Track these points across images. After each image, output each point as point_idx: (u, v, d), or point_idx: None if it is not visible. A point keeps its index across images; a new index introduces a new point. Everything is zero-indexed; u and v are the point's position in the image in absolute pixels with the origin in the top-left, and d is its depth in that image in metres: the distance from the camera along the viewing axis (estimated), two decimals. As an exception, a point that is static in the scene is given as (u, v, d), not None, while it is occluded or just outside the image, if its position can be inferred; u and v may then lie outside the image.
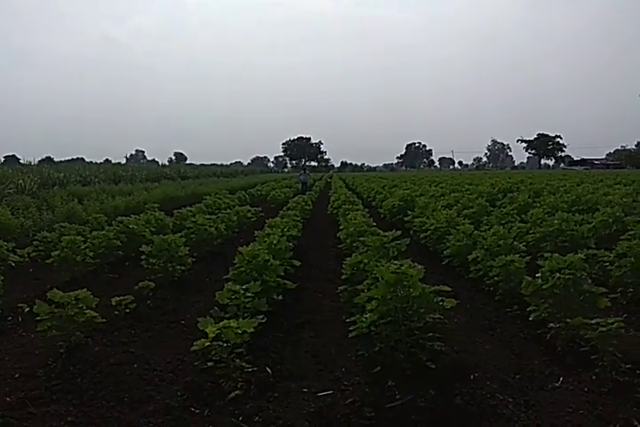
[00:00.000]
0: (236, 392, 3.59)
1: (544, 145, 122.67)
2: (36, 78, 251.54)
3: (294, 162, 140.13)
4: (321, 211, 17.95)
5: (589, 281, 4.54)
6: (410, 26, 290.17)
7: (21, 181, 19.16)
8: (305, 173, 30.65)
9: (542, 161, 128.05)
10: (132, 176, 32.04)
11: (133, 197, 18.32)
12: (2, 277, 5.41)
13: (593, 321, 4.00)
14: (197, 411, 3.41)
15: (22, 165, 30.99)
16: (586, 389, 3.62)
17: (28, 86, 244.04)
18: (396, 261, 4.13)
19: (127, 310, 5.48)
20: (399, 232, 6.29)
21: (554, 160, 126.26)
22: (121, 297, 5.49)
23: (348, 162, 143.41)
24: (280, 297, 5.39)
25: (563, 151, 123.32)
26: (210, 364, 3.84)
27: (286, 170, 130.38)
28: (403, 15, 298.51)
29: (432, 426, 3.20)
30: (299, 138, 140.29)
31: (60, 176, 23.66)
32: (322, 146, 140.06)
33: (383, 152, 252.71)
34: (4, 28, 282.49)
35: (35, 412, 3.39)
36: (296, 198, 15.95)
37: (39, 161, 36.47)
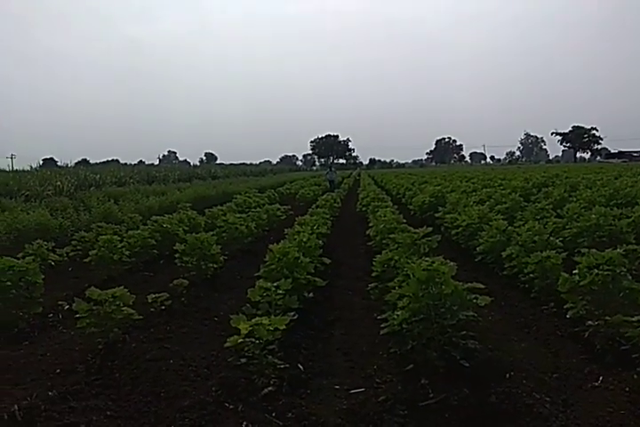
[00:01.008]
0: (269, 388, 3.63)
1: (579, 138, 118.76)
2: (72, 82, 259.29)
3: (323, 160, 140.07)
4: (350, 208, 17.92)
5: (629, 277, 4.38)
6: (439, 21, 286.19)
7: (59, 183, 19.86)
8: (332, 172, 30.82)
9: (578, 154, 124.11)
10: (164, 177, 32.80)
11: (167, 196, 18.69)
12: (42, 276, 5.59)
13: (634, 319, 3.87)
14: (231, 407, 3.45)
15: (60, 167, 32.09)
16: (627, 388, 3.50)
17: (64, 91, 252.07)
18: (427, 258, 4.09)
19: (162, 307, 5.60)
20: (430, 229, 6.21)
21: (590, 153, 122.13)
22: (156, 294, 5.61)
23: (377, 159, 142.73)
24: (310, 294, 5.41)
25: (599, 144, 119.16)
26: (243, 360, 3.89)
27: (315, 168, 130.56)
28: (431, 11, 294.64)
29: (466, 425, 3.16)
30: (327, 136, 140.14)
31: (96, 177, 24.42)
32: (350, 143, 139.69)
33: (412, 148, 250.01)
34: (42, 30, 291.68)
35: (75, 406, 3.50)
36: (325, 196, 15.97)
37: (76, 163, 37.84)
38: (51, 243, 8.09)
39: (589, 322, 4.30)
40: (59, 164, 37.05)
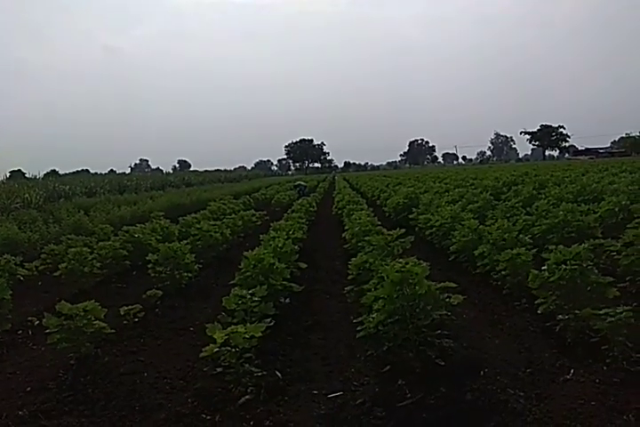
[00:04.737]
0: (247, 397, 3.60)
1: (548, 136, 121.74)
2: (38, 90, 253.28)
3: (297, 164, 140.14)
4: (326, 211, 17.96)
5: (596, 271, 4.50)
6: (408, 23, 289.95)
7: (27, 195, 19.31)
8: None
9: (547, 152, 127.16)
10: (136, 185, 32.19)
11: (139, 206, 18.40)
12: (11, 292, 5.44)
13: (602, 311, 3.96)
14: (208, 417, 3.42)
15: (28, 179, 31.19)
16: (597, 380, 3.59)
17: (30, 99, 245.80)
18: (400, 260, 4.12)
19: (136, 320, 5.50)
20: (403, 230, 6.29)
21: (558, 151, 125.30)
22: (129, 306, 5.52)
23: (352, 162, 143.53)
24: (287, 300, 5.40)
25: (567, 141, 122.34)
26: (219, 369, 3.85)
27: (290, 172, 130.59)
28: (399, 13, 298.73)
29: (443, 423, 3.19)
30: (301, 140, 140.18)
31: (66, 189, 23.81)
32: (324, 147, 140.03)
33: (386, 150, 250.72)
34: (4, 40, 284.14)
35: (47, 425, 3.41)
36: (300, 201, 15.98)
37: (44, 174, 36.63)
38: (19, 257, 7.88)
39: (560, 316, 4.40)
40: (27, 175, 36.03)
